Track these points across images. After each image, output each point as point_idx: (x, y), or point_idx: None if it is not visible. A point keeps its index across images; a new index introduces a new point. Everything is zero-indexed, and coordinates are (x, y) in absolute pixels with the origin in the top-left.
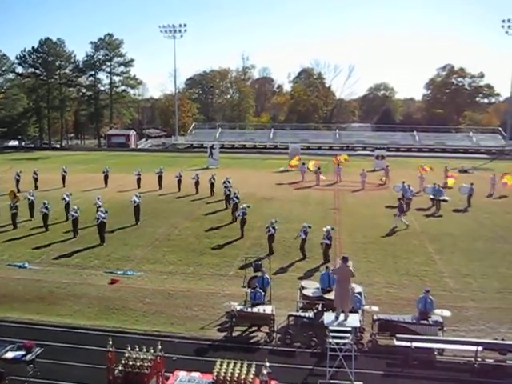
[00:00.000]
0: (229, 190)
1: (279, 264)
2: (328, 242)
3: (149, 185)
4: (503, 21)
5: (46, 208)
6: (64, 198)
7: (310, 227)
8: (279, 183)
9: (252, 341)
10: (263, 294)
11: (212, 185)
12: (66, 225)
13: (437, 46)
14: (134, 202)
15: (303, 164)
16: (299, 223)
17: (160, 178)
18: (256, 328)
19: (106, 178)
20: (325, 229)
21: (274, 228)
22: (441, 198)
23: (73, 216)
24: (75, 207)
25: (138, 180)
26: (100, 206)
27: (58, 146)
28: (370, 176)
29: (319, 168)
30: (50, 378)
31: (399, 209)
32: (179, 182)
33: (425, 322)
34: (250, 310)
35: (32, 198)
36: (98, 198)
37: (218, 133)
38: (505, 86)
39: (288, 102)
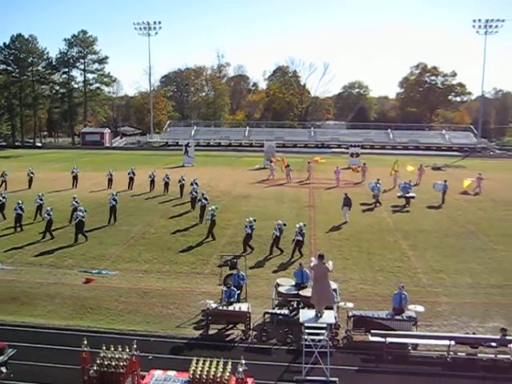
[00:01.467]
0: (196, 192)
1: (255, 262)
2: (301, 238)
3: (122, 184)
4: (474, 21)
5: (21, 208)
6: (36, 200)
7: (285, 225)
8: (253, 182)
9: (228, 339)
10: (237, 292)
11: (182, 186)
12: (41, 225)
13: (410, 45)
14: (111, 202)
15: (271, 162)
16: (275, 221)
17: (131, 180)
18: (232, 326)
19: (74, 178)
20: (297, 225)
21: (251, 227)
22: (408, 195)
23: (45, 218)
24: (48, 208)
25: (110, 181)
26: (77, 207)
27: (31, 144)
28: (345, 173)
29: (288, 165)
30: (24, 380)
31: (345, 202)
32: (152, 181)
33: (399, 317)
34: (225, 307)
35: (3, 199)
36: (74, 198)
37: (193, 131)
38: (476, 84)
39: (263, 100)
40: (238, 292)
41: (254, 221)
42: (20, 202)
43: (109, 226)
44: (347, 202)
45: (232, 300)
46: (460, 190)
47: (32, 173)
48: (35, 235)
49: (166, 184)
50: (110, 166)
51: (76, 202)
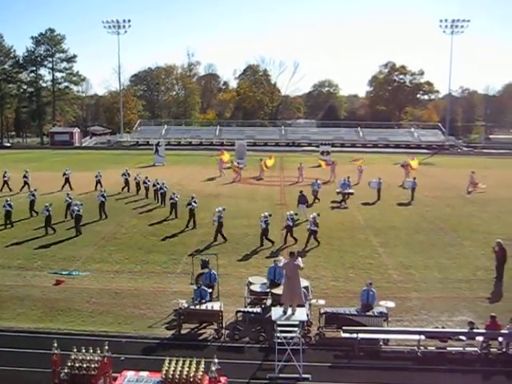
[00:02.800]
0: (176, 197)
1: (227, 260)
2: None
3: (91, 185)
4: (441, 20)
5: (10, 205)
6: (29, 196)
7: (270, 215)
8: (225, 181)
9: (201, 338)
10: (209, 291)
11: (138, 184)
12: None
13: (379, 44)
14: (73, 211)
15: (220, 160)
16: (247, 219)
17: (98, 182)
18: (206, 324)
19: (67, 180)
20: (288, 213)
21: (265, 222)
22: (347, 192)
23: (44, 214)
24: (47, 204)
25: (66, 179)
26: (70, 202)
27: None
28: (315, 171)
29: (239, 163)
30: None
31: (300, 200)
32: (126, 180)
33: (370, 313)
34: (197, 307)
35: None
36: (68, 195)
37: (163, 130)
38: (443, 83)
39: (234, 99)
40: (210, 291)
41: (270, 216)
42: (8, 199)
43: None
44: (302, 200)
45: (203, 301)
46: (427, 187)
47: (6, 176)
48: (1, 237)
49: (138, 184)
50: (82, 165)
51: (69, 197)
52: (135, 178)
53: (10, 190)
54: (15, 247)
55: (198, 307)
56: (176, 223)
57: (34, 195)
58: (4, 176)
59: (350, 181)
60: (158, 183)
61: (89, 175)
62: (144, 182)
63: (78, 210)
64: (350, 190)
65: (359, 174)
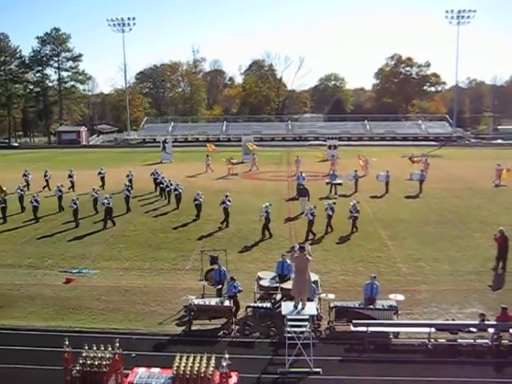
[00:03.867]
0: (201, 198)
1: (236, 256)
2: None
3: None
4: (447, 11)
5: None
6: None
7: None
8: (231, 176)
9: (211, 334)
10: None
11: (155, 181)
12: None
13: (385, 36)
14: (103, 204)
15: (207, 156)
16: (255, 215)
17: (102, 179)
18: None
19: (27, 181)
20: (328, 203)
21: (312, 214)
22: (335, 182)
23: (72, 207)
24: (74, 198)
25: (102, 178)
26: (97, 197)
27: (7, 144)
28: (322, 165)
29: (232, 158)
30: (6, 383)
31: (300, 193)
32: (130, 180)
33: (380, 306)
34: (208, 302)
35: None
36: (94, 190)
37: (170, 127)
38: (450, 74)
39: (240, 94)
40: (220, 287)
41: (315, 207)
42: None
43: (85, 225)
44: (302, 193)
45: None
46: (435, 179)
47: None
48: (13, 236)
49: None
50: (90, 164)
51: (96, 192)
52: (153, 174)
53: (50, 189)
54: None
55: (208, 303)
56: (185, 220)
57: (60, 191)
58: (45, 175)
59: (337, 173)
60: (171, 184)
61: (96, 174)
62: (160, 182)
63: (108, 203)
64: (339, 181)
65: (365, 167)
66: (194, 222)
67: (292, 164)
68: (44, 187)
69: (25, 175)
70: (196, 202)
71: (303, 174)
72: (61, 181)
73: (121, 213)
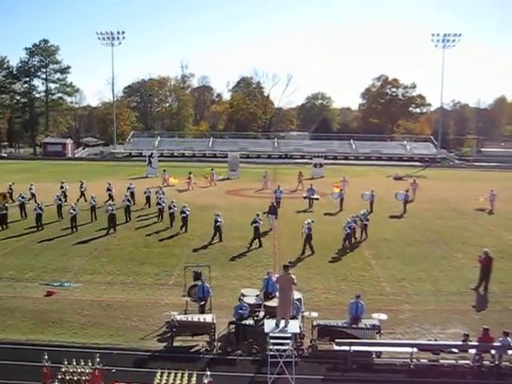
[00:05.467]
0: (163, 202)
1: (219, 272)
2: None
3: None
4: (433, 35)
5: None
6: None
7: (313, 221)
8: (218, 192)
9: (193, 350)
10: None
11: (148, 198)
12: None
13: (372, 57)
14: (107, 210)
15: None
16: (241, 231)
17: (82, 193)
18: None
19: (10, 193)
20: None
21: (309, 229)
22: (313, 197)
23: (71, 213)
24: (73, 204)
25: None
26: (94, 205)
27: None
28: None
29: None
30: None
31: (270, 211)
32: (132, 193)
33: (362, 326)
34: (190, 319)
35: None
36: (92, 198)
37: (156, 141)
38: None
39: (227, 111)
40: (203, 303)
41: (312, 222)
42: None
43: (70, 236)
44: (272, 211)
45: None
46: (419, 200)
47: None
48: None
49: (132, 194)
50: (75, 177)
51: (94, 200)
52: (145, 192)
53: (86, 200)
54: (26, 252)
55: (190, 319)
56: (169, 235)
57: (60, 199)
58: (81, 187)
59: (314, 188)
60: (174, 205)
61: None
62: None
63: (112, 210)
64: (316, 196)
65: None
66: (178, 237)
67: (279, 181)
68: (79, 198)
69: (61, 187)
70: (183, 215)
71: (280, 188)
72: (53, 192)
73: (104, 226)
